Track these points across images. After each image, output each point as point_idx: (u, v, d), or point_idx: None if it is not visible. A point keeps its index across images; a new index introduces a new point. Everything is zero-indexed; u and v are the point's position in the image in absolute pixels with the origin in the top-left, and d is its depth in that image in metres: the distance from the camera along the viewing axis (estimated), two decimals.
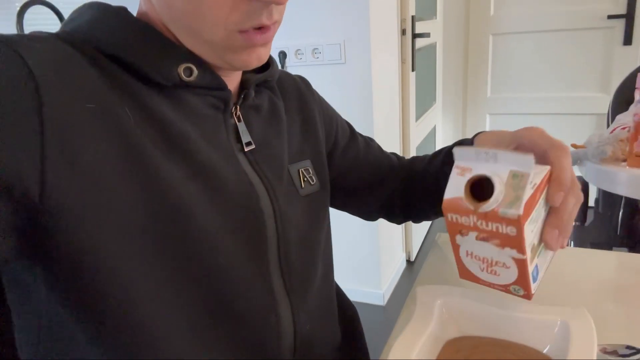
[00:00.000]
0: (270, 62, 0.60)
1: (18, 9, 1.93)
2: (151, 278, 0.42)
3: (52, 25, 1.97)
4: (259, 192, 0.52)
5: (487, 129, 2.95)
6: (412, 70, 2.19)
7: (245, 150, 0.53)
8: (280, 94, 0.63)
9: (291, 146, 0.61)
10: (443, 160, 0.68)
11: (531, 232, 0.42)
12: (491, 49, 2.80)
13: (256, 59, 0.48)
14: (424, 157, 0.75)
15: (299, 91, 0.67)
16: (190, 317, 0.45)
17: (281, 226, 0.54)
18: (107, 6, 0.47)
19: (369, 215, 0.80)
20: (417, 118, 2.38)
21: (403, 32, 2.11)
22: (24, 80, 0.37)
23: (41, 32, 0.44)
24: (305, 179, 0.61)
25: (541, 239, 0.46)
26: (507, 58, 2.78)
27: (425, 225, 2.69)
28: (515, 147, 0.54)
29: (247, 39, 0.45)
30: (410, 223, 2.35)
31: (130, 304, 0.41)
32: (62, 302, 0.41)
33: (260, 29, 0.45)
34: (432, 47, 2.66)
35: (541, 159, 0.47)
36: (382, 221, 2.03)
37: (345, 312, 0.70)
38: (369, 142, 0.78)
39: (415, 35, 2.16)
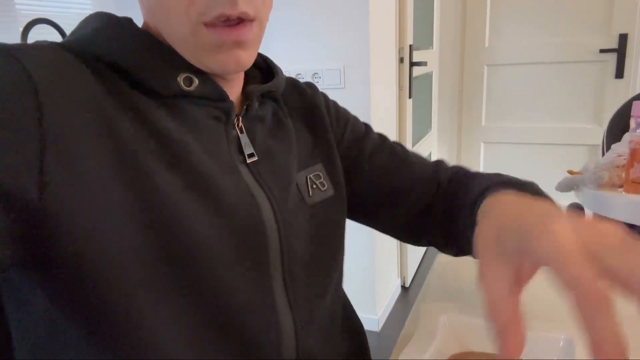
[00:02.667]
0: (275, 73, 0.59)
1: (22, 27, 1.95)
2: (150, 287, 0.41)
3: (52, 37, 1.99)
4: (261, 204, 0.51)
5: (482, 157, 2.98)
6: (409, 97, 2.22)
7: (248, 162, 0.52)
8: (284, 102, 0.62)
9: (300, 153, 0.59)
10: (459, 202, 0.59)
11: None
12: (486, 79, 2.86)
13: (234, 63, 0.46)
14: (465, 181, 0.63)
15: (304, 95, 0.65)
16: (189, 327, 0.44)
17: (285, 239, 0.52)
18: (111, 17, 0.48)
19: (399, 233, 0.69)
20: (414, 144, 2.41)
21: (401, 60, 2.15)
22: (24, 86, 0.37)
23: (44, 41, 0.44)
24: (315, 185, 0.59)
25: None
26: (502, 88, 2.83)
27: (421, 250, 2.69)
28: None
29: (215, 34, 0.44)
30: (406, 247, 2.35)
31: (128, 312, 0.41)
32: (61, 312, 0.41)
33: (230, 24, 0.44)
34: (429, 76, 2.71)
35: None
36: (377, 245, 2.03)
37: (352, 325, 0.67)
38: (394, 146, 0.69)
39: (412, 64, 2.20)
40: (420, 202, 0.65)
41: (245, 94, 0.55)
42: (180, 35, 0.45)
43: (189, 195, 0.44)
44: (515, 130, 2.84)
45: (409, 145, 2.29)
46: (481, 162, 2.99)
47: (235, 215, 0.47)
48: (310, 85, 0.68)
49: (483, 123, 2.93)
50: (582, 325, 0.25)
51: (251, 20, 0.45)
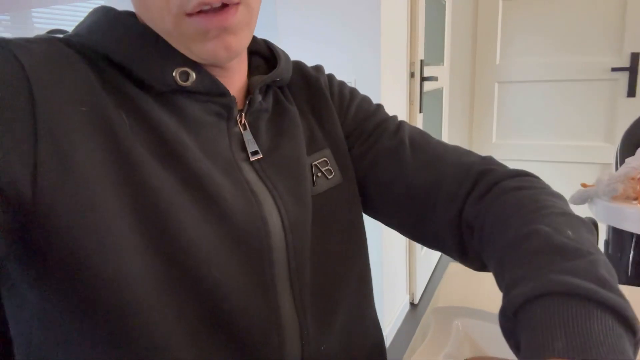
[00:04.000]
0: (277, 60, 0.56)
1: None
2: (146, 285, 0.40)
3: None
4: (263, 201, 0.48)
5: None
6: (420, 111, 2.23)
7: (251, 159, 0.50)
8: (290, 87, 0.59)
9: (305, 139, 0.56)
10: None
11: None
12: (497, 96, 2.86)
13: (224, 49, 0.44)
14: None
15: (307, 77, 0.61)
16: (188, 326, 0.43)
17: (291, 235, 0.49)
18: (110, 11, 0.47)
19: (423, 238, 0.59)
20: None
21: (412, 74, 2.16)
22: (18, 80, 0.37)
23: (44, 35, 0.44)
24: (320, 174, 0.55)
25: None
26: (513, 105, 2.83)
27: (431, 265, 2.66)
28: None
29: (198, 22, 0.42)
30: (415, 262, 2.33)
31: (123, 309, 0.39)
32: (55, 308, 0.40)
33: (213, 10, 0.42)
34: (439, 92, 2.71)
35: None
36: (385, 260, 2.02)
37: (371, 333, 0.61)
38: (420, 141, 0.59)
39: (423, 79, 2.21)
40: (439, 214, 0.54)
41: (247, 86, 0.53)
42: (164, 28, 0.44)
43: (183, 193, 0.43)
44: (526, 147, 2.83)
45: None
46: None
47: (233, 214, 0.45)
48: (317, 68, 0.64)
49: (494, 140, 2.92)
50: None
51: (236, 4, 0.43)
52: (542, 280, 0.35)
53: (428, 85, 2.37)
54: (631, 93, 2.50)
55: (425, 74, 2.25)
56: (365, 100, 0.64)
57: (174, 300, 0.42)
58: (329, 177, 0.56)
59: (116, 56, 0.44)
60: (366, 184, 0.59)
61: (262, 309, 0.46)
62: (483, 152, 2.72)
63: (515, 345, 0.37)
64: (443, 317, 0.56)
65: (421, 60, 2.18)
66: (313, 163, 0.55)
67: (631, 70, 2.48)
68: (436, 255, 2.81)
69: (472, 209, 0.51)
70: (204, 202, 0.43)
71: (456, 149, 0.58)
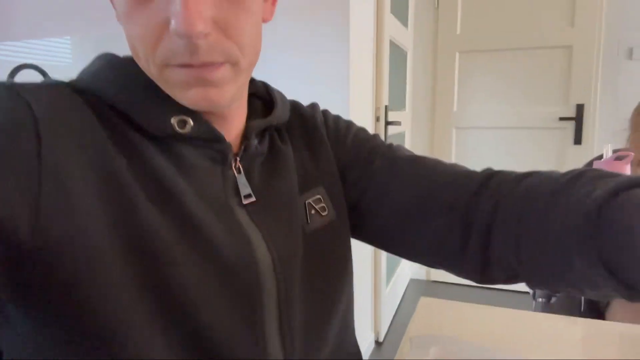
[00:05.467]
0: (274, 104, 0.58)
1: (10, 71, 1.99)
2: (136, 317, 0.41)
3: None
4: (255, 244, 0.50)
5: None
6: None
7: (244, 203, 0.51)
8: (287, 128, 0.61)
9: (299, 177, 0.58)
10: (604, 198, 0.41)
11: None
12: (454, 141, 3.01)
13: (204, 100, 0.45)
14: (550, 176, 0.50)
15: (303, 116, 0.63)
16: (176, 356, 0.43)
17: (282, 275, 0.51)
18: (113, 58, 0.50)
19: (421, 252, 0.58)
20: None
21: (377, 119, 2.27)
22: (25, 121, 0.39)
23: (52, 80, 0.46)
24: (314, 211, 0.57)
25: None
26: (470, 150, 2.98)
27: (395, 302, 2.71)
28: None
29: (180, 73, 0.43)
30: (380, 299, 2.37)
31: (115, 339, 0.40)
32: (47, 336, 0.41)
33: (198, 66, 0.43)
34: (402, 135, 2.84)
35: None
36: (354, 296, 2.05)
37: None
38: (414, 158, 0.61)
39: (387, 123, 2.32)
40: (453, 213, 0.54)
41: (244, 130, 0.55)
42: (151, 75, 0.46)
43: (178, 236, 0.44)
44: None
45: None
46: None
47: (225, 257, 0.46)
48: (312, 106, 0.66)
49: None
50: None
51: (220, 63, 0.44)
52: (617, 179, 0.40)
53: (392, 129, 2.49)
54: (577, 141, 2.69)
55: (390, 119, 2.37)
56: (362, 130, 0.66)
57: (163, 332, 0.42)
58: (323, 214, 0.57)
59: (119, 104, 0.46)
60: (363, 205, 0.60)
61: (249, 345, 0.48)
62: None
63: (596, 247, 0.39)
64: (420, 345, 0.60)
65: (386, 106, 2.30)
66: (307, 201, 0.57)
67: (577, 120, 2.68)
68: (401, 292, 2.86)
69: (483, 205, 0.52)
70: (197, 245, 0.45)
71: (447, 163, 0.60)
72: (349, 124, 0.66)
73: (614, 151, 1.24)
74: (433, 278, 3.18)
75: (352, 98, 1.94)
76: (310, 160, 0.60)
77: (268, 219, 0.52)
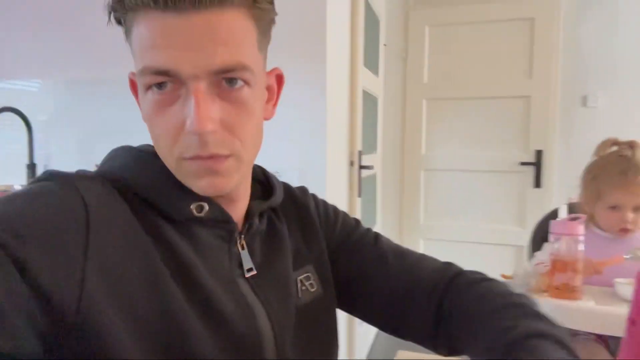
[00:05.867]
0: (273, 189, 0.66)
1: None
2: None
3: (17, 124, 2.06)
4: (257, 314, 0.57)
5: (421, 251, 3.18)
6: (359, 196, 2.43)
7: (247, 276, 0.58)
8: (282, 211, 0.68)
9: (292, 255, 0.65)
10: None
11: None
12: (423, 182, 3.15)
13: (210, 187, 0.52)
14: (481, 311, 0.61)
15: (296, 201, 0.71)
16: None
17: (281, 341, 0.58)
18: (138, 152, 0.58)
19: (398, 330, 0.69)
20: None
21: (351, 163, 2.38)
22: (79, 210, 0.46)
23: (88, 172, 0.54)
24: (304, 287, 0.64)
25: None
26: (438, 190, 3.13)
27: (368, 339, 2.76)
28: None
29: (192, 165, 0.51)
30: (353, 335, 2.42)
31: None
32: None
33: (207, 158, 0.50)
34: (373, 177, 2.96)
35: None
36: None
37: None
38: (397, 253, 0.70)
39: (361, 167, 2.43)
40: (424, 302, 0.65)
41: (247, 211, 0.62)
42: (169, 165, 0.53)
43: (192, 308, 0.50)
44: (450, 228, 3.11)
45: None
46: None
47: (233, 327, 0.53)
48: (303, 191, 0.75)
49: (422, 221, 3.18)
50: None
51: (226, 156, 0.52)
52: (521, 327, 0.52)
53: (364, 172, 2.60)
54: (537, 184, 2.87)
55: (363, 162, 2.48)
56: (346, 216, 0.76)
57: None
58: (312, 290, 0.65)
59: (145, 193, 0.54)
60: (352, 290, 0.70)
61: None
62: (413, 231, 2.92)
63: None
64: None
65: (359, 151, 2.42)
66: (298, 278, 0.64)
67: (536, 164, 2.87)
68: (374, 330, 2.92)
69: (449, 302, 0.63)
70: (207, 317, 0.51)
71: (424, 257, 0.71)
72: (335, 210, 0.76)
73: (570, 205, 1.37)
74: None
75: (328, 144, 2.04)
76: (302, 241, 0.68)
77: (267, 292, 0.59)
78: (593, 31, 2.90)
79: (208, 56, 0.48)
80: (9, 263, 0.40)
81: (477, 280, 0.65)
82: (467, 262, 2.72)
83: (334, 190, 2.14)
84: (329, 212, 0.75)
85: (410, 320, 0.67)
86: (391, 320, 0.69)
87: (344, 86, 2.20)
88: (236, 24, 0.50)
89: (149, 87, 0.51)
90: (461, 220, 3.09)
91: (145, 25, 0.49)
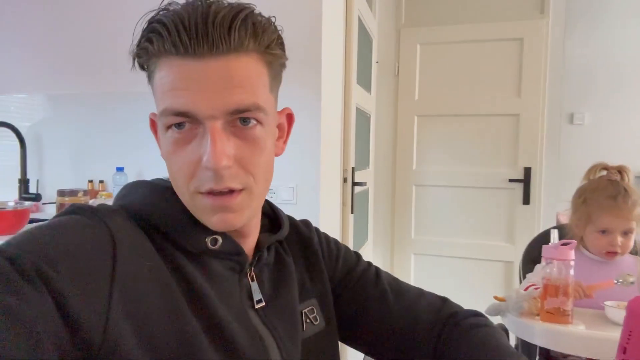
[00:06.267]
0: (281, 223, 0.69)
1: None
2: None
3: (10, 140, 2.05)
4: (268, 346, 0.59)
5: (412, 267, 3.22)
6: (352, 212, 2.45)
7: (256, 307, 0.61)
8: (287, 244, 0.71)
9: (298, 287, 0.67)
10: None
11: None
12: (414, 198, 3.19)
13: (222, 222, 0.55)
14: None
15: (300, 234, 0.74)
16: None
17: None
18: (154, 186, 0.60)
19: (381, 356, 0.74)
20: None
21: (344, 180, 2.40)
22: (107, 241, 0.49)
23: (111, 206, 0.56)
24: (308, 320, 0.66)
25: None
26: (429, 206, 3.16)
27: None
28: None
29: (207, 200, 0.53)
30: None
31: None
32: None
33: (219, 194, 0.53)
34: (366, 192, 2.99)
35: None
36: None
37: None
38: (397, 291, 0.75)
39: (354, 184, 2.46)
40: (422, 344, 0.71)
41: (257, 243, 0.65)
42: (184, 200, 0.56)
43: (206, 339, 0.52)
44: (441, 244, 3.14)
45: None
46: (412, 272, 3.23)
47: (245, 356, 0.54)
48: (305, 223, 0.78)
49: (413, 236, 3.21)
50: None
51: (239, 191, 0.54)
52: None
53: (357, 188, 2.63)
54: (526, 201, 2.92)
55: (356, 179, 2.51)
56: (348, 251, 0.80)
57: None
58: (315, 323, 0.67)
59: (163, 226, 0.56)
60: (354, 326, 0.74)
61: None
62: (404, 246, 2.95)
63: None
64: None
65: (352, 168, 2.44)
66: (303, 310, 0.67)
67: (525, 182, 2.92)
68: None
69: (445, 345, 0.69)
70: (221, 348, 0.53)
71: (422, 293, 0.76)
72: (337, 244, 0.79)
73: (558, 227, 1.40)
74: None
75: (322, 161, 2.06)
76: (307, 274, 0.71)
77: (276, 324, 0.61)
78: (579, 51, 2.97)
79: (224, 98, 0.51)
80: (47, 293, 0.42)
81: (474, 326, 0.69)
82: (457, 276, 2.78)
83: (327, 206, 2.16)
84: (332, 247, 0.78)
85: (410, 357, 0.71)
86: (393, 356, 0.73)
87: (338, 104, 2.23)
88: (250, 68, 0.53)
89: (168, 127, 0.54)
90: (451, 236, 3.12)
91: (166, 70, 0.52)
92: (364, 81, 2.71)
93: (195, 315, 0.52)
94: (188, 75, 0.51)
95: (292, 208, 2.07)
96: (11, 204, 1.46)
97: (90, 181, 2.08)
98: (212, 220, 0.55)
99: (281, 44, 0.59)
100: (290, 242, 0.72)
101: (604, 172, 1.40)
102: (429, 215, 3.16)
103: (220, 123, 0.52)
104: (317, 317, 0.68)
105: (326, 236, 0.80)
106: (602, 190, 1.33)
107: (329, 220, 2.18)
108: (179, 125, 0.53)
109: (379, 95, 3.16)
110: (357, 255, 0.81)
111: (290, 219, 0.77)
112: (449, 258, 3.11)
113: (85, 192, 1.67)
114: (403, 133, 3.16)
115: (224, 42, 0.50)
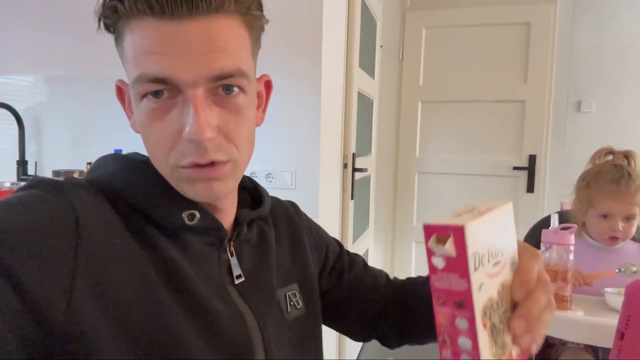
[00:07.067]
0: (263, 199, 0.67)
1: None
2: None
3: (7, 120, 2.04)
4: (249, 323, 0.57)
5: (413, 254, 3.20)
6: (352, 198, 2.42)
7: (236, 283, 0.59)
8: (272, 222, 0.69)
9: (279, 271, 0.65)
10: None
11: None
12: (417, 185, 3.15)
13: (208, 192, 0.52)
14: (418, 279, 0.79)
15: (289, 217, 0.73)
16: None
17: (269, 352, 0.58)
18: (128, 160, 0.57)
19: (358, 335, 0.81)
20: (354, 241, 2.57)
21: (345, 165, 2.37)
22: (69, 218, 0.45)
23: (77, 180, 0.53)
24: (292, 303, 0.65)
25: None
26: (431, 193, 3.13)
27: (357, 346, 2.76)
28: None
29: (189, 173, 0.51)
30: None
31: None
32: None
33: (202, 166, 0.50)
34: (367, 179, 2.96)
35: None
36: None
37: None
38: (354, 257, 0.81)
39: (355, 170, 2.43)
40: (380, 305, 0.78)
41: (235, 219, 0.62)
42: (163, 173, 0.53)
43: (186, 315, 0.50)
44: None
45: (349, 242, 2.46)
46: (412, 260, 3.20)
47: (225, 334, 0.53)
48: (294, 205, 0.77)
49: (414, 224, 3.18)
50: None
51: (225, 162, 0.52)
52: None
53: (358, 174, 2.60)
54: (530, 189, 2.88)
55: (357, 165, 2.48)
56: (333, 239, 0.82)
57: None
58: (298, 307, 0.66)
59: (135, 201, 0.53)
60: (338, 305, 0.76)
61: None
62: (405, 234, 2.93)
63: None
64: None
65: (353, 153, 2.41)
66: (286, 293, 0.65)
67: (529, 169, 2.87)
68: None
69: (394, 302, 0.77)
70: (201, 324, 0.51)
71: (381, 274, 0.82)
72: (325, 234, 0.81)
73: (561, 213, 1.37)
74: None
75: (322, 146, 2.03)
76: (290, 258, 0.70)
77: (256, 300, 0.60)
78: (588, 37, 2.90)
79: (206, 63, 0.48)
80: (2, 276, 0.39)
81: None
82: None
83: (327, 192, 2.13)
84: (321, 236, 0.79)
85: (375, 329, 0.79)
86: (361, 331, 0.80)
87: (339, 87, 2.19)
88: (232, 30, 0.50)
89: (143, 96, 0.50)
90: None
91: (140, 33, 0.48)
92: (367, 65, 2.67)
93: (173, 294, 0.50)
94: (165, 38, 0.47)
95: (291, 193, 2.05)
96: (7, 184, 1.44)
97: (89, 163, 2.06)
98: (196, 189, 0.52)
99: (259, 5, 0.55)
100: (278, 223, 0.71)
101: (610, 157, 1.36)
102: (432, 203, 3.13)
103: (201, 91, 0.49)
104: (299, 301, 0.67)
105: (314, 223, 0.79)
106: (605, 174, 1.30)
107: (328, 205, 2.16)
108: (155, 94, 0.49)
109: (383, 81, 3.12)
110: (340, 244, 0.82)
111: (280, 200, 0.75)
112: None
113: (81, 173, 1.65)
114: (406, 119, 3.12)
115: (203, 1, 0.47)
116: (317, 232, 0.78)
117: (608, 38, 2.92)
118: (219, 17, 0.48)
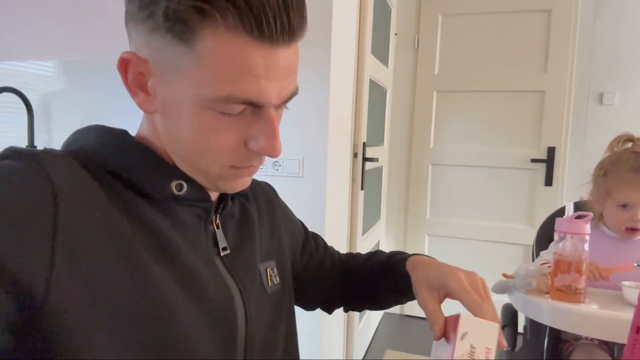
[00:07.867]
0: None
1: None
2: None
3: (17, 107, 2.03)
4: (233, 294, 0.59)
5: (426, 248, 3.13)
6: (361, 189, 2.37)
7: (222, 254, 0.60)
8: (253, 200, 0.71)
9: (261, 247, 0.68)
10: (375, 270, 0.80)
11: None
12: (430, 177, 3.08)
13: (242, 185, 0.58)
14: (359, 255, 0.87)
15: (268, 197, 0.76)
16: None
17: (250, 325, 0.60)
18: (109, 129, 0.56)
19: (308, 305, 0.88)
20: (364, 233, 2.52)
21: (355, 155, 2.32)
22: (46, 190, 0.44)
23: (56, 150, 0.51)
24: (271, 277, 0.68)
25: None
26: (445, 186, 3.05)
27: (367, 337, 2.71)
28: (443, 294, 0.66)
29: (238, 173, 0.55)
30: (352, 335, 2.38)
31: None
32: None
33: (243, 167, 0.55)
34: (379, 170, 2.90)
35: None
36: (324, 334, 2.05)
37: None
38: (316, 238, 0.88)
39: (365, 159, 2.37)
40: (329, 281, 0.85)
41: (220, 193, 0.63)
42: (204, 170, 0.54)
43: (176, 286, 0.51)
44: (457, 225, 3.03)
45: (359, 234, 2.41)
46: (425, 253, 3.12)
47: (212, 305, 0.55)
48: (271, 187, 0.80)
49: (427, 217, 3.11)
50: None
51: None
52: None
53: (369, 164, 2.54)
54: (548, 182, 2.78)
55: (367, 155, 2.42)
56: (299, 222, 0.86)
57: None
58: (275, 282, 0.69)
59: (122, 171, 0.52)
60: (304, 288, 0.83)
61: None
62: (418, 227, 2.85)
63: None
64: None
65: (363, 142, 2.35)
66: (267, 268, 0.68)
67: (548, 162, 2.78)
68: (374, 326, 2.88)
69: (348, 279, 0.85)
70: (190, 295, 0.52)
71: (326, 246, 0.90)
72: (293, 215, 0.85)
73: (577, 203, 1.29)
74: (407, 312, 3.21)
75: (331, 134, 1.98)
76: (269, 234, 0.73)
77: (240, 273, 0.62)
78: (612, 26, 2.79)
79: (287, 86, 0.52)
80: None
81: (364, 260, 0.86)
82: (474, 260, 2.67)
83: (335, 181, 2.08)
84: (292, 219, 0.83)
85: (329, 301, 0.88)
86: (327, 303, 0.88)
87: (350, 74, 2.14)
88: (297, 54, 0.54)
89: (218, 110, 0.50)
90: (468, 217, 3.01)
91: (236, 49, 0.47)
92: (381, 53, 2.60)
93: (161, 264, 0.50)
94: (264, 63, 0.48)
95: (299, 181, 2.00)
96: None
97: None
98: (232, 184, 0.56)
99: None
100: (259, 201, 0.73)
101: (629, 144, 1.28)
102: (446, 196, 3.05)
103: (275, 110, 0.53)
104: (277, 277, 0.69)
105: (286, 206, 0.83)
106: (623, 162, 1.22)
107: (336, 195, 2.10)
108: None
109: (397, 69, 3.05)
110: (304, 226, 0.87)
111: (257, 180, 0.78)
112: (465, 240, 3.00)
113: None
114: (421, 109, 3.04)
115: (298, 30, 0.49)
116: (289, 216, 0.82)
117: (634, 27, 2.80)
118: (296, 42, 0.52)
